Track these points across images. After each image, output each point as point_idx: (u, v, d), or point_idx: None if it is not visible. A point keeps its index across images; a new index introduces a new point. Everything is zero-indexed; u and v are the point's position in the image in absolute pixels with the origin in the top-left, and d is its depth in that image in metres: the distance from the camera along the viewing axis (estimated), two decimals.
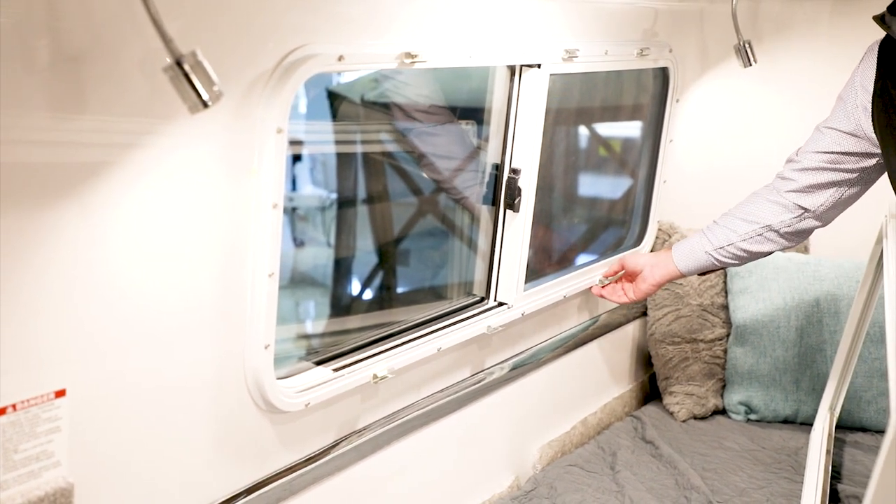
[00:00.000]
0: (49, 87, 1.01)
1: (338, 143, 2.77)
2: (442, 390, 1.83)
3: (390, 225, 2.90)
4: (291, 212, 3.95)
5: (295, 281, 3.53)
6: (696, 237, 1.86)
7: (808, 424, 2.28)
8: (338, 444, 1.58)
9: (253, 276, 1.32)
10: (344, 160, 2.88)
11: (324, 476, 1.57)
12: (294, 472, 1.49)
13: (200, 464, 1.33)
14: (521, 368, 2.07)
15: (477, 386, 1.92)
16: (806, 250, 2.52)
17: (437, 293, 2.45)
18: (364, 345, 1.67)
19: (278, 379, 1.42)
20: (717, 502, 1.92)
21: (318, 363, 1.57)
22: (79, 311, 1.11)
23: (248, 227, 1.30)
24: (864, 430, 2.27)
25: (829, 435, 2.11)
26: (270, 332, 1.36)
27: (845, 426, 2.26)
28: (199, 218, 1.24)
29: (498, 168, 1.92)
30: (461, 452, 1.93)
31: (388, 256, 2.95)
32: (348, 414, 1.61)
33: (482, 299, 1.96)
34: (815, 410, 2.26)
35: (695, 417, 2.36)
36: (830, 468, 1.99)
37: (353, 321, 2.83)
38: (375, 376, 1.59)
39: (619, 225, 2.56)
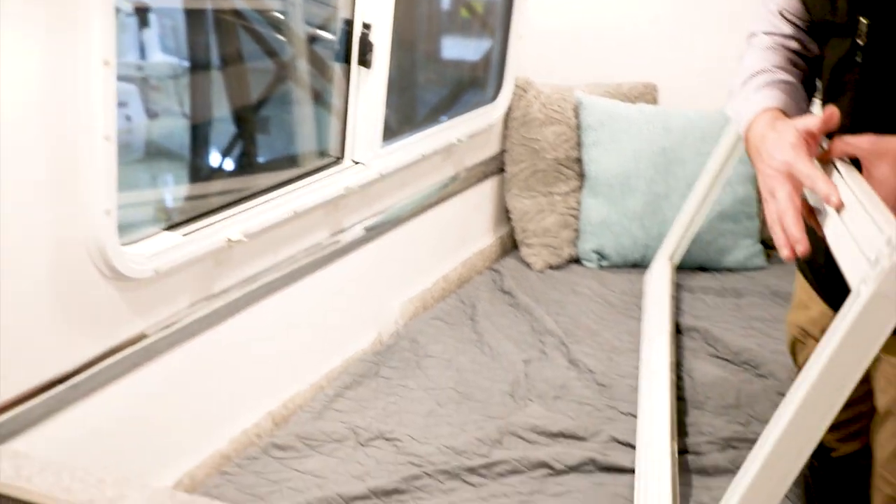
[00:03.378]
0: None
1: None
2: (300, 252, 1.83)
3: (247, 91, 2.80)
4: (142, 81, 3.76)
5: (151, 153, 3.40)
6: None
7: None
8: (194, 308, 1.57)
9: (89, 139, 1.26)
10: (194, 23, 2.73)
11: (181, 340, 1.56)
12: (148, 338, 1.48)
13: (42, 333, 1.30)
14: (381, 227, 2.09)
15: (336, 247, 1.93)
16: (655, 101, 2.60)
17: (298, 160, 2.42)
18: (217, 209, 1.63)
19: (124, 245, 1.38)
20: (570, 343, 2.02)
21: (169, 229, 1.54)
22: None
23: (78, 86, 1.23)
24: (703, 269, 2.41)
25: (672, 281, 2.25)
26: (111, 197, 1.31)
27: (686, 266, 2.40)
28: (17, 76, 1.16)
29: (349, 23, 1.88)
30: (323, 312, 1.95)
31: (246, 124, 2.86)
32: (203, 279, 1.59)
33: (338, 160, 1.95)
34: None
35: (551, 267, 2.45)
36: (673, 305, 2.12)
37: (213, 191, 2.76)
38: (229, 240, 1.57)
39: (481, 87, 2.56)
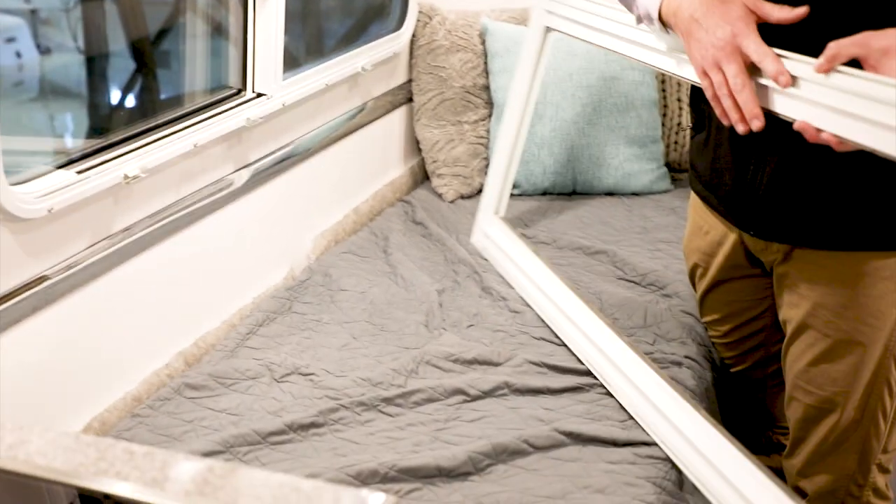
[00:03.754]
0: None
1: None
2: (205, 187, 1.78)
3: (143, 24, 2.69)
4: (32, 15, 3.57)
5: (45, 92, 3.25)
6: None
7: (565, 194, 2.43)
8: (95, 248, 1.52)
9: None
10: None
11: (84, 282, 1.51)
12: (49, 280, 1.42)
13: None
14: (288, 161, 2.05)
15: (242, 181, 1.88)
16: None
17: (201, 94, 2.34)
18: (112, 144, 1.57)
19: (14, 185, 1.32)
20: (482, 272, 2.04)
21: (63, 167, 1.47)
22: None
23: None
24: (610, 194, 2.44)
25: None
26: None
27: (593, 192, 2.43)
28: None
29: None
30: (232, 249, 1.91)
31: (147, 59, 2.75)
32: (103, 218, 1.54)
33: (239, 91, 1.89)
34: (570, 181, 2.41)
35: (462, 197, 2.45)
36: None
37: (114, 129, 2.66)
38: (127, 177, 1.51)
39: (387, 15, 2.51)
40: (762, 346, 1.61)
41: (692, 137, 1.52)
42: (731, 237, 1.47)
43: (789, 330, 1.42)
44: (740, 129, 1.12)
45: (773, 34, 1.12)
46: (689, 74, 1.25)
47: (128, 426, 1.54)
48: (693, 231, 1.58)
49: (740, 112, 1.11)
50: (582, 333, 1.71)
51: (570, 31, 1.82)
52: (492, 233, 2.12)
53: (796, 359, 1.41)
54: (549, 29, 1.95)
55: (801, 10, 1.11)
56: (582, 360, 1.68)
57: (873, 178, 1.22)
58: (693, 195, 1.57)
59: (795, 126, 1.07)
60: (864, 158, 1.11)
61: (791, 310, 1.40)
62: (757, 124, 1.10)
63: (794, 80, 1.08)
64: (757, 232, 1.38)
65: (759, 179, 1.32)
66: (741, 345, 1.64)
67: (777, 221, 1.34)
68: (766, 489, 1.30)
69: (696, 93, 1.30)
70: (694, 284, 1.66)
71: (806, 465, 1.47)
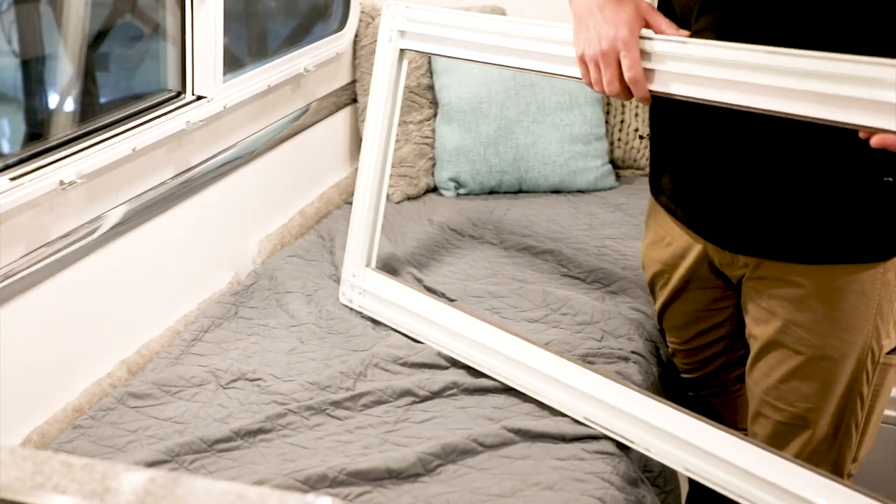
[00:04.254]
0: None
1: None
2: (145, 192, 1.76)
3: (82, 25, 2.63)
4: None
5: None
6: None
7: (511, 193, 2.45)
8: (32, 257, 1.48)
9: None
10: None
11: (20, 292, 1.48)
12: None
13: None
14: (231, 164, 2.03)
15: (183, 186, 1.86)
16: None
17: (142, 97, 2.31)
18: (47, 150, 1.54)
19: None
20: (427, 273, 2.04)
21: None
22: None
23: None
24: (556, 192, 2.46)
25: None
26: None
27: (539, 190, 2.45)
28: None
29: None
30: (175, 255, 1.88)
31: (85, 62, 2.70)
32: (38, 225, 1.50)
33: (179, 94, 1.86)
34: (517, 180, 2.42)
35: (409, 198, 2.45)
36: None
37: (52, 134, 2.61)
38: (62, 182, 1.48)
39: (329, 15, 2.49)
40: (723, 353, 1.60)
41: (651, 148, 1.49)
42: (696, 248, 1.45)
43: (756, 346, 1.39)
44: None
45: (753, 27, 1.17)
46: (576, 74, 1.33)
47: (69, 438, 1.51)
48: (654, 241, 1.55)
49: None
50: (509, 359, 1.62)
51: (434, 50, 1.72)
52: (372, 287, 1.85)
53: (765, 375, 1.39)
54: (404, 52, 1.78)
55: (685, 33, 1.22)
56: (517, 386, 1.60)
57: (845, 190, 1.22)
58: (652, 204, 1.54)
59: (873, 143, 1.05)
60: (836, 170, 1.13)
61: (758, 326, 1.37)
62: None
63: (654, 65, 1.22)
64: (724, 244, 1.36)
65: (727, 191, 1.30)
66: (702, 352, 1.62)
67: (745, 233, 1.31)
68: (738, 449, 1.30)
69: (654, 101, 1.32)
70: (653, 293, 1.64)
71: None
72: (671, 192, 1.44)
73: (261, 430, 1.52)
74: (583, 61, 1.24)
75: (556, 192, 2.44)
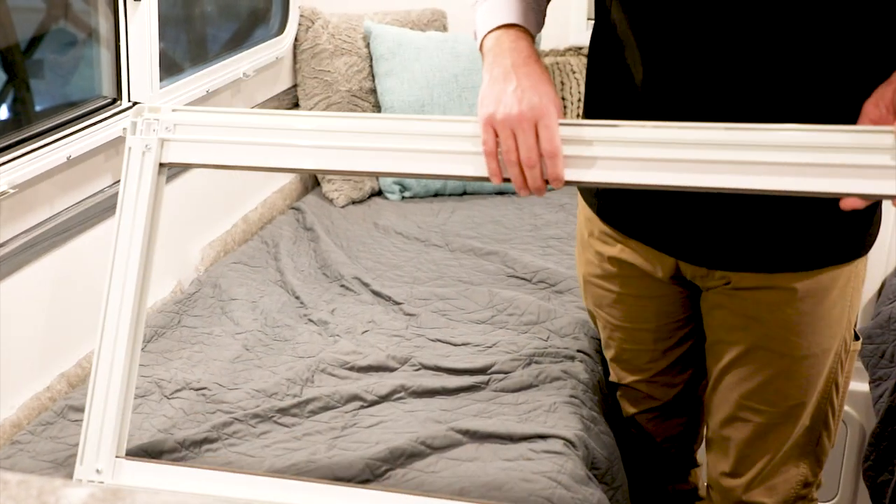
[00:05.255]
0: None
1: None
2: (82, 201, 1.73)
3: (12, 31, 2.58)
4: None
5: None
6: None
7: (456, 195, 2.46)
8: None
9: None
10: None
11: None
12: None
13: None
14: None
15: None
16: (444, 28, 2.61)
17: (77, 105, 2.27)
18: None
19: None
20: (373, 277, 2.04)
21: None
22: None
23: None
24: (500, 193, 2.47)
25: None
26: None
27: (483, 192, 2.45)
28: None
29: None
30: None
31: (17, 70, 2.64)
32: None
33: (114, 101, 1.84)
34: (461, 182, 2.43)
35: (353, 202, 2.44)
36: None
37: None
38: None
39: (268, 19, 2.48)
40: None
41: None
42: (640, 249, 1.39)
43: (732, 353, 1.36)
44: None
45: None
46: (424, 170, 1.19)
47: (7, 454, 1.48)
48: (590, 261, 1.49)
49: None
50: None
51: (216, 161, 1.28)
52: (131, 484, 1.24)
53: (742, 380, 1.37)
54: (164, 166, 1.28)
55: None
56: None
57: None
58: (587, 223, 1.47)
59: (843, 206, 1.05)
60: None
61: (735, 332, 1.35)
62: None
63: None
64: (698, 260, 1.32)
65: (699, 205, 1.26)
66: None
67: (727, 248, 1.28)
68: None
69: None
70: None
71: (756, 479, 1.43)
72: (624, 208, 1.37)
73: (206, 440, 1.50)
74: (490, 125, 1.08)
75: (501, 193, 2.45)
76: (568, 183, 1.11)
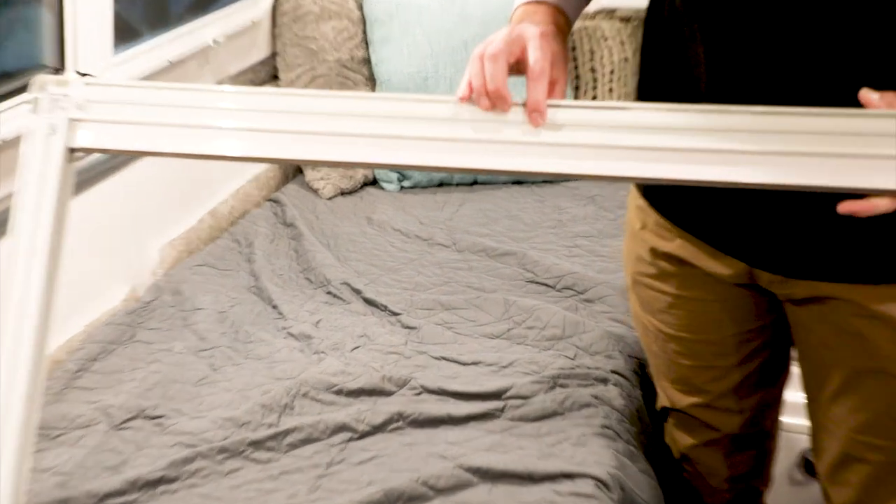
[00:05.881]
0: None
1: None
2: (8, 196, 1.69)
3: None
4: None
5: None
6: None
7: (465, 185, 2.44)
8: None
9: None
10: None
11: None
12: None
13: None
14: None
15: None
16: None
17: (15, 75, 2.27)
18: None
19: None
20: (366, 283, 2.03)
21: None
22: None
23: None
24: (518, 183, 2.44)
25: None
26: None
27: (499, 181, 2.42)
28: None
29: None
30: None
31: None
32: None
33: (56, 71, 1.81)
34: None
35: (342, 193, 2.44)
36: None
37: None
38: None
39: None
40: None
41: None
42: (692, 247, 1.39)
43: (837, 378, 1.34)
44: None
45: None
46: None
47: None
48: (641, 258, 1.48)
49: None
50: None
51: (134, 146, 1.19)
52: None
53: (856, 410, 1.34)
54: (75, 151, 1.18)
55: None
56: None
57: None
58: (639, 212, 1.46)
59: (841, 210, 1.03)
60: None
61: (837, 352, 1.32)
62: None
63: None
64: (774, 266, 1.31)
65: (773, 198, 1.20)
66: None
67: (804, 251, 1.27)
68: None
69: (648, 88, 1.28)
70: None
71: None
72: (693, 208, 1.37)
73: (163, 480, 1.47)
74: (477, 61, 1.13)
75: (518, 183, 2.43)
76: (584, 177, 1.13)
